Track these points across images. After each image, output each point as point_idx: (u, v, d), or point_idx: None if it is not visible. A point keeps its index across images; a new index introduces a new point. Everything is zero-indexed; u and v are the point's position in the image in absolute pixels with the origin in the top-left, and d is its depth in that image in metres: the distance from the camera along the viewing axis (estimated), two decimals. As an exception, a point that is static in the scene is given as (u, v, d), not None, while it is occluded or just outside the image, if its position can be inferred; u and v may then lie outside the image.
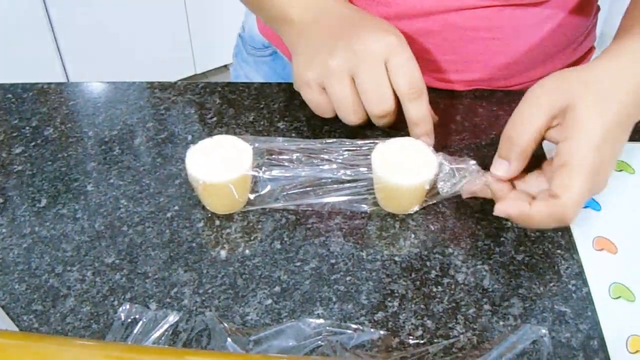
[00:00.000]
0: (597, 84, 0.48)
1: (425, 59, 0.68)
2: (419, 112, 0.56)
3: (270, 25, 0.67)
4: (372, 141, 0.57)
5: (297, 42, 0.61)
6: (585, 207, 0.57)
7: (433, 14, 0.66)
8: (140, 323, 0.46)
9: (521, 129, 0.50)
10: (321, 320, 0.47)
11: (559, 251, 0.53)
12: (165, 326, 0.46)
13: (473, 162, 0.55)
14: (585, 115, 0.47)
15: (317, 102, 0.59)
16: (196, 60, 2.43)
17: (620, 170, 0.60)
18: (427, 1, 0.65)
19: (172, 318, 0.47)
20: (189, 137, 0.64)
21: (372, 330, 0.47)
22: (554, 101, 0.49)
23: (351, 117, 0.58)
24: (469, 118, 0.67)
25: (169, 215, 0.56)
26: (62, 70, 2.10)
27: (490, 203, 0.57)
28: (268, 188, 0.56)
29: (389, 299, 0.49)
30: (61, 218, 0.55)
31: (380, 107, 0.56)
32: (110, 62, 2.16)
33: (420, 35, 0.68)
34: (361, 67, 0.55)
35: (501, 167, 0.52)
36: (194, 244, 0.53)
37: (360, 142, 0.58)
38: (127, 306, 0.48)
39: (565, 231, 0.55)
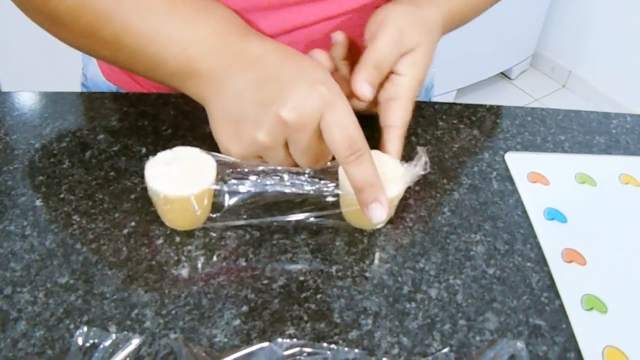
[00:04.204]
0: (430, 35, 0.59)
1: None
2: (363, 176, 0.49)
3: (165, 83, 0.56)
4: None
5: (210, 101, 0.53)
6: (552, 219, 0.57)
7: (297, 30, 0.63)
8: (100, 347, 0.43)
9: (387, 61, 0.56)
10: (294, 341, 0.45)
11: (529, 264, 0.53)
12: (128, 350, 0.43)
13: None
14: (421, 59, 0.58)
15: (253, 164, 0.54)
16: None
17: (583, 183, 0.61)
18: (287, 19, 0.62)
19: (135, 342, 0.44)
20: (143, 150, 0.61)
21: (346, 349, 0.45)
22: (409, 44, 0.57)
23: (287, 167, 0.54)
24: (430, 131, 0.66)
25: (125, 231, 0.53)
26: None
27: (458, 217, 0.56)
28: (231, 203, 0.53)
29: (362, 317, 0.48)
30: (8, 235, 0.51)
31: (316, 166, 0.53)
32: (45, 73, 2.07)
33: None
34: (293, 137, 0.49)
35: (368, 90, 0.55)
36: (153, 262, 0.50)
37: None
38: (85, 329, 0.44)
39: (534, 244, 0.54)
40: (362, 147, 0.48)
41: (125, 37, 0.52)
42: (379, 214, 0.49)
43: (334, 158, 0.51)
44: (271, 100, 0.48)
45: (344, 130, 0.48)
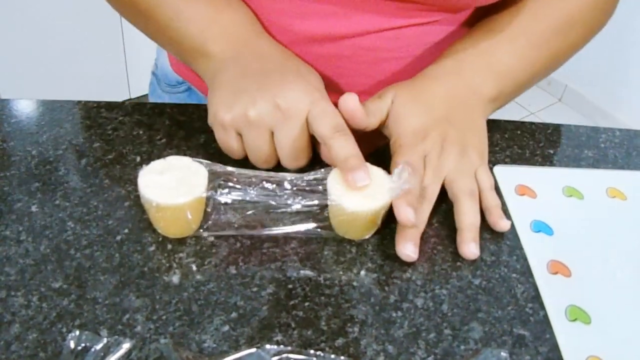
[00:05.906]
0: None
1: (336, 83, 0.69)
2: (346, 148, 0.53)
3: (183, 58, 0.64)
4: (328, 167, 0.56)
5: (215, 77, 0.58)
6: (538, 231, 0.57)
7: (343, 39, 0.65)
8: (92, 351, 0.44)
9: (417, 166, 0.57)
10: (281, 347, 0.46)
11: (514, 275, 0.54)
12: (118, 354, 0.44)
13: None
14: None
15: (228, 145, 0.57)
16: (131, 85, 2.38)
17: (570, 196, 0.62)
18: (335, 27, 0.64)
19: (125, 346, 0.45)
20: (138, 159, 0.62)
21: (333, 356, 0.46)
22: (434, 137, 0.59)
23: (261, 165, 0.58)
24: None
25: (118, 238, 0.53)
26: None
27: (446, 228, 0.57)
28: (222, 213, 0.54)
29: (349, 325, 0.49)
30: (4, 240, 0.52)
31: (295, 163, 0.57)
32: (42, 81, 2.09)
33: (331, 59, 0.66)
34: (282, 124, 0.54)
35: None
36: (145, 269, 0.51)
37: (316, 168, 0.57)
38: (77, 333, 0.45)
39: (520, 255, 0.55)
40: (347, 130, 0.54)
41: (156, 10, 0.59)
42: (361, 178, 0.52)
43: (320, 166, 0.52)
44: (271, 87, 0.55)
45: (330, 117, 0.54)
